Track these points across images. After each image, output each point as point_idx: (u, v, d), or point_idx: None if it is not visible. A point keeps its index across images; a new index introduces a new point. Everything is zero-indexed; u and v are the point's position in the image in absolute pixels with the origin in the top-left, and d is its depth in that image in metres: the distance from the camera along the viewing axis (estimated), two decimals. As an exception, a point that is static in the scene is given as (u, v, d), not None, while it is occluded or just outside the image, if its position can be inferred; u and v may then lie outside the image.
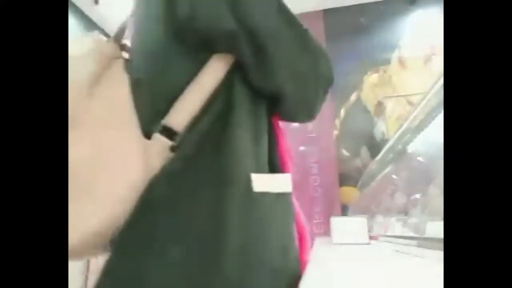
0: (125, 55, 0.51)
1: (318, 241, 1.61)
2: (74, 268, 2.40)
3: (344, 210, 2.35)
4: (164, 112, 0.41)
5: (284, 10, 0.44)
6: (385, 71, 2.56)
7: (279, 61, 0.42)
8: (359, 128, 2.52)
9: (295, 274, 0.45)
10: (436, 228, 0.75)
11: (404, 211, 1.09)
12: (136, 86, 0.44)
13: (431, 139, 1.01)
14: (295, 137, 2.53)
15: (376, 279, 0.50)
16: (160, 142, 0.40)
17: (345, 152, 2.49)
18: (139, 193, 0.38)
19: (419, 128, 1.05)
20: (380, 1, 2.68)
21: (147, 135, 0.40)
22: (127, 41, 0.54)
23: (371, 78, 2.57)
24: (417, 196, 1.02)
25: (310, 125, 2.56)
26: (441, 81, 0.77)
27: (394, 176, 1.49)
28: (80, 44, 0.48)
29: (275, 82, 0.44)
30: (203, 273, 0.35)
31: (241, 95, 0.43)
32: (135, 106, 0.42)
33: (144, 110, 0.42)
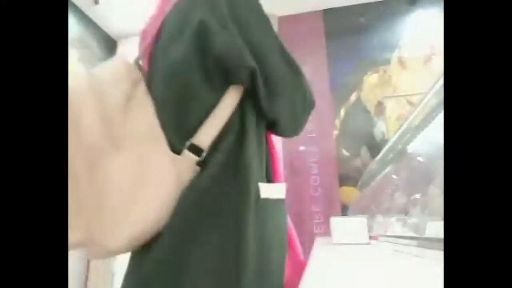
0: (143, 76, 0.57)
1: (318, 241, 1.61)
2: (74, 268, 2.40)
3: (344, 210, 2.35)
4: (193, 132, 0.49)
5: (284, 50, 0.55)
6: (385, 71, 2.56)
7: (280, 93, 0.52)
8: (359, 128, 2.52)
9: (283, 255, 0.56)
10: (436, 228, 0.75)
11: (404, 211, 1.09)
12: (163, 109, 0.52)
13: (431, 139, 1.01)
14: (295, 137, 2.53)
15: (376, 279, 0.50)
16: (189, 157, 0.48)
17: (345, 152, 2.49)
18: (174, 203, 0.47)
19: (419, 128, 1.05)
20: (380, 1, 2.68)
21: (178, 151, 0.49)
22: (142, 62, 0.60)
23: (371, 78, 2.57)
24: (417, 196, 1.02)
25: (310, 125, 2.56)
26: (441, 81, 0.77)
27: (394, 176, 1.49)
28: (111, 68, 0.54)
29: (275, 109, 0.53)
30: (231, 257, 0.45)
31: (250, 119, 0.52)
32: (161, 126, 0.50)
33: (174, 131, 0.50)
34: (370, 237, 1.25)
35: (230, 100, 0.51)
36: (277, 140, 0.68)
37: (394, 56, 2.56)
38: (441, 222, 0.71)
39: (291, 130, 0.61)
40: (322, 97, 2.61)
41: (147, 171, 0.46)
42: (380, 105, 2.51)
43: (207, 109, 0.50)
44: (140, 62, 0.59)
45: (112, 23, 2.91)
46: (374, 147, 2.36)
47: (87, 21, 2.77)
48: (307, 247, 1.47)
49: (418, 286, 0.44)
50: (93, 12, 2.74)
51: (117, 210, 0.45)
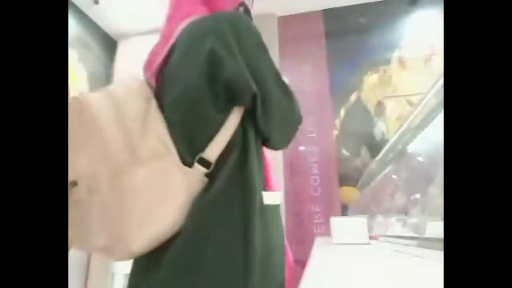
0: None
1: (318, 241, 1.61)
2: (75, 268, 2.40)
3: (344, 210, 2.35)
4: (203, 148, 0.55)
5: (278, 75, 0.62)
6: (385, 71, 2.55)
7: (274, 113, 0.59)
8: (359, 128, 2.51)
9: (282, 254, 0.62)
10: (436, 228, 0.75)
11: (404, 211, 1.09)
12: (175, 126, 0.57)
13: (431, 139, 1.01)
14: (295, 137, 2.53)
15: (376, 279, 0.50)
16: (198, 170, 0.54)
17: (345, 152, 2.49)
18: (186, 210, 0.53)
19: (419, 128, 1.05)
20: (380, 1, 2.68)
21: (189, 164, 0.55)
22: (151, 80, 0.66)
23: (371, 78, 2.57)
24: (417, 196, 1.02)
25: (310, 125, 2.56)
26: (441, 81, 0.77)
27: (394, 176, 1.49)
28: (125, 85, 0.60)
29: (269, 126, 0.60)
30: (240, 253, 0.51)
31: (251, 135, 0.59)
32: (173, 141, 0.56)
33: (185, 146, 0.57)
34: (370, 237, 1.25)
35: (234, 119, 0.57)
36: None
37: (394, 56, 2.56)
38: (441, 222, 0.71)
39: (281, 144, 0.68)
40: (322, 97, 2.61)
41: (163, 183, 0.53)
42: (380, 105, 2.51)
43: (215, 127, 0.56)
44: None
45: (112, 23, 2.91)
46: (374, 147, 2.36)
47: (87, 21, 2.77)
48: (307, 247, 1.46)
49: (418, 286, 0.44)
50: (93, 12, 2.74)
51: (140, 217, 0.51)
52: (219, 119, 0.56)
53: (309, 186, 2.45)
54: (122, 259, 0.54)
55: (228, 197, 0.54)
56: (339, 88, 2.59)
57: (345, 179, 2.42)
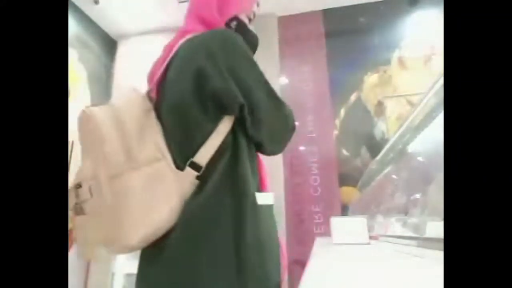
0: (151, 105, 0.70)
1: (318, 241, 1.61)
2: (74, 268, 2.40)
3: (344, 210, 2.35)
4: (194, 153, 0.61)
5: (269, 87, 0.67)
6: (385, 71, 2.55)
7: (263, 122, 0.65)
8: (359, 128, 2.51)
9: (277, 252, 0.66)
10: (436, 228, 0.75)
11: (404, 211, 1.09)
12: (170, 134, 0.64)
13: (431, 139, 1.01)
14: (295, 137, 2.52)
15: (376, 279, 0.50)
16: (190, 173, 0.60)
17: (345, 152, 2.49)
18: (178, 209, 0.59)
19: (419, 128, 1.05)
20: (380, 1, 2.68)
21: (181, 168, 0.61)
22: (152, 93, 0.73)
23: (371, 78, 2.57)
24: (417, 196, 1.02)
25: (310, 125, 2.56)
26: (441, 81, 0.77)
27: (394, 176, 1.49)
28: (126, 99, 0.67)
29: (259, 134, 0.66)
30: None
31: (242, 140, 0.64)
32: (168, 147, 0.63)
33: (178, 152, 0.63)
34: (370, 237, 1.25)
35: (223, 127, 0.63)
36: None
37: (394, 56, 2.56)
38: (441, 222, 0.71)
39: (273, 151, 0.72)
40: (322, 97, 2.61)
41: (157, 185, 0.58)
42: (380, 105, 2.51)
43: (205, 135, 0.62)
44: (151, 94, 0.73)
45: (112, 23, 2.91)
46: (374, 147, 2.36)
47: (87, 21, 2.77)
48: (307, 247, 1.47)
49: (418, 286, 0.44)
50: (93, 12, 2.74)
51: (135, 216, 0.56)
52: (208, 127, 0.62)
53: (309, 186, 2.45)
54: (121, 252, 0.63)
55: (219, 198, 0.59)
56: (339, 88, 2.59)
57: (345, 179, 2.42)
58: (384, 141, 2.28)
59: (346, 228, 1.23)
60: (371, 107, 2.53)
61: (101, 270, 2.46)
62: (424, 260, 0.66)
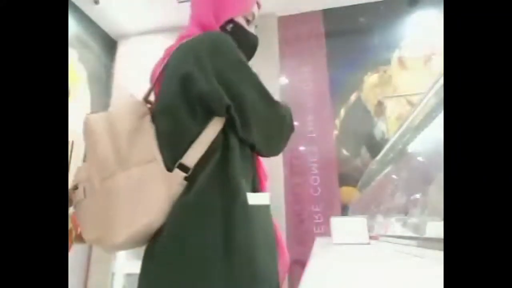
0: (148, 109, 0.72)
1: (318, 241, 1.61)
2: (75, 268, 2.40)
3: (344, 210, 2.35)
4: (182, 155, 0.62)
5: (261, 88, 0.68)
6: (385, 71, 2.55)
7: (254, 124, 0.65)
8: (359, 128, 2.51)
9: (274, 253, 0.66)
10: (436, 228, 0.75)
11: (404, 211, 1.09)
12: (160, 136, 0.66)
13: (431, 139, 1.01)
14: (295, 137, 2.52)
15: (376, 279, 0.50)
16: (178, 174, 0.61)
17: (345, 152, 2.49)
18: (166, 210, 0.59)
19: (419, 128, 1.05)
20: (380, 1, 2.68)
21: (170, 169, 0.62)
22: (151, 99, 0.76)
23: (371, 78, 2.57)
24: (417, 196, 1.02)
25: (310, 125, 2.56)
26: (441, 81, 0.77)
27: (394, 176, 1.49)
28: (122, 105, 0.70)
29: (250, 136, 0.66)
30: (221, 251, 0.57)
31: (234, 141, 0.64)
32: (159, 149, 0.64)
33: (167, 153, 0.64)
34: (370, 237, 1.25)
35: (212, 129, 0.64)
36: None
37: (394, 56, 2.56)
38: (441, 222, 0.71)
39: (269, 152, 0.72)
40: (322, 97, 2.61)
41: (145, 185, 0.60)
42: (380, 105, 2.51)
43: (192, 137, 0.63)
44: (152, 97, 0.76)
45: (112, 23, 2.91)
46: (374, 147, 2.36)
47: (87, 21, 2.77)
48: (307, 247, 1.47)
49: (418, 286, 0.44)
50: (93, 12, 2.74)
51: (122, 215, 0.58)
52: (197, 129, 0.63)
53: (309, 186, 2.45)
54: (110, 251, 0.64)
55: (207, 199, 0.60)
56: (339, 88, 2.59)
57: (345, 179, 2.42)
58: (384, 141, 2.28)
59: (346, 228, 1.23)
60: (371, 107, 2.53)
61: (101, 270, 2.46)
62: (424, 260, 0.66)
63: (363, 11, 2.70)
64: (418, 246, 0.81)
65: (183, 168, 0.62)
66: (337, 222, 1.26)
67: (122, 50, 3.05)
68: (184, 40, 0.73)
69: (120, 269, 2.43)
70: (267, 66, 2.53)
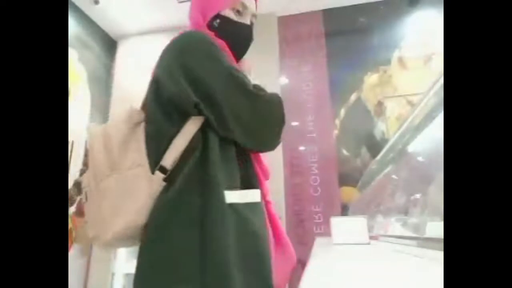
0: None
1: (318, 241, 1.61)
2: (75, 268, 2.40)
3: (344, 210, 2.35)
4: (162, 157, 0.64)
5: (237, 82, 0.66)
6: (385, 71, 2.55)
7: (230, 119, 0.64)
8: (359, 128, 2.51)
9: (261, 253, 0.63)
10: (436, 228, 0.75)
11: (404, 211, 1.09)
12: (146, 141, 0.68)
13: (431, 139, 1.01)
14: (295, 137, 2.53)
15: (376, 279, 0.50)
16: (159, 176, 0.63)
17: (345, 152, 2.49)
18: (146, 209, 0.62)
19: (419, 128, 1.05)
20: (380, 1, 2.68)
21: (152, 171, 0.64)
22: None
23: (371, 78, 2.57)
24: (417, 196, 1.02)
25: (310, 125, 2.56)
26: (441, 81, 0.77)
27: (394, 176, 1.49)
28: (117, 115, 0.73)
29: (229, 133, 0.65)
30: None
31: (213, 141, 0.64)
32: (147, 153, 0.67)
33: (151, 156, 0.66)
34: (370, 237, 1.25)
35: (188, 129, 0.65)
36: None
37: (394, 56, 2.56)
38: (441, 222, 0.71)
39: (256, 147, 0.70)
40: (322, 97, 2.61)
41: (130, 187, 0.64)
42: (380, 105, 2.51)
43: (169, 138, 0.65)
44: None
45: (112, 23, 2.91)
46: (374, 147, 2.36)
47: (87, 21, 2.77)
48: (307, 247, 1.47)
49: (418, 286, 0.44)
50: (93, 12, 2.74)
51: (110, 214, 0.63)
52: (171, 131, 0.65)
53: (309, 186, 2.44)
54: (103, 248, 0.68)
55: (186, 198, 0.61)
56: (339, 88, 2.59)
57: (345, 179, 2.41)
58: (384, 141, 2.28)
59: (346, 228, 1.23)
60: (371, 107, 2.53)
61: (101, 270, 2.46)
62: (424, 260, 0.66)
63: (363, 11, 2.70)
64: (418, 246, 0.81)
65: (162, 169, 0.63)
66: (337, 222, 1.26)
67: (122, 50, 3.05)
68: None
69: (120, 269, 2.43)
70: (267, 66, 2.53)
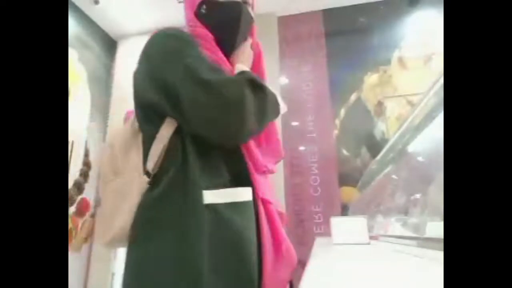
0: None
1: (318, 241, 1.61)
2: (75, 268, 2.40)
3: (344, 210, 2.35)
4: (146, 160, 0.66)
5: (196, 75, 0.60)
6: (385, 71, 2.55)
7: (192, 113, 0.61)
8: (359, 128, 2.51)
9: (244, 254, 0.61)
10: (436, 228, 0.75)
11: (404, 211, 1.09)
12: (142, 145, 0.70)
13: (431, 139, 1.01)
14: (295, 137, 2.54)
15: (376, 279, 0.50)
16: (145, 179, 0.64)
17: (345, 152, 2.49)
18: (136, 208, 0.63)
19: (419, 128, 1.05)
20: (380, 1, 2.68)
21: (141, 175, 0.65)
22: None
23: (371, 78, 2.57)
24: (417, 196, 1.02)
25: (310, 125, 2.56)
26: (441, 81, 0.77)
27: (394, 176, 1.49)
28: (122, 125, 0.76)
29: (194, 127, 0.63)
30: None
31: (188, 139, 0.64)
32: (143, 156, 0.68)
33: (144, 160, 0.67)
34: (370, 237, 1.25)
35: (165, 131, 0.65)
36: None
37: (394, 56, 2.56)
38: (441, 222, 0.71)
39: (220, 139, 0.64)
40: (322, 97, 2.61)
41: (126, 190, 0.66)
42: (380, 105, 2.51)
43: (150, 141, 0.65)
44: None
45: (112, 23, 2.91)
46: (374, 147, 2.36)
47: (87, 21, 2.77)
48: (307, 247, 1.47)
49: (418, 286, 0.44)
50: (93, 12, 2.74)
51: (109, 216, 0.66)
52: (150, 132, 0.66)
53: (309, 186, 2.45)
54: (108, 248, 0.70)
55: (169, 199, 0.61)
56: (339, 88, 2.59)
57: (345, 179, 2.42)
58: (384, 141, 2.28)
59: (346, 228, 1.23)
60: (371, 107, 2.53)
61: (101, 270, 2.46)
62: (424, 260, 0.66)
63: (363, 11, 2.70)
64: (418, 246, 0.81)
65: (147, 173, 0.65)
66: (337, 222, 1.26)
67: (122, 50, 3.05)
68: None
69: (120, 269, 2.43)
70: (267, 66, 2.53)
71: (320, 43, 2.73)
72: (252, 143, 0.69)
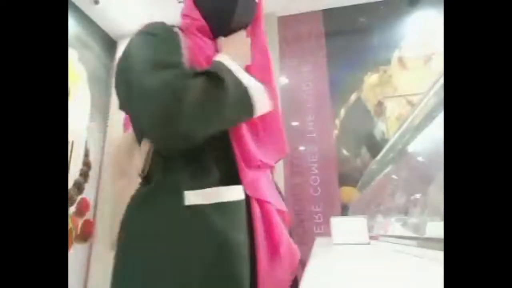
0: None
1: (318, 241, 1.61)
2: (75, 268, 2.40)
3: (344, 210, 2.35)
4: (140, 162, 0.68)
5: (138, 65, 0.60)
6: (385, 71, 2.55)
7: (134, 114, 0.68)
8: (359, 128, 2.51)
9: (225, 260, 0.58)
10: (436, 228, 0.75)
11: (404, 211, 1.09)
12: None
13: (431, 139, 1.01)
14: (295, 137, 2.54)
15: (376, 279, 0.50)
16: (138, 180, 0.68)
17: (345, 152, 2.49)
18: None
19: (419, 128, 1.05)
20: (380, 1, 2.68)
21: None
22: None
23: (371, 78, 2.57)
24: (417, 196, 1.01)
25: (310, 125, 2.56)
26: (441, 81, 0.77)
27: (394, 176, 1.49)
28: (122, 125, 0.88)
29: (154, 145, 0.66)
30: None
31: None
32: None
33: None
34: (370, 237, 1.25)
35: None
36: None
37: (394, 56, 2.56)
38: (441, 222, 0.71)
39: (169, 138, 0.57)
40: (322, 97, 2.61)
41: (124, 192, 0.67)
42: (380, 105, 2.51)
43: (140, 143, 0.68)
44: None
45: (112, 23, 2.91)
46: (374, 147, 2.36)
47: (87, 21, 2.77)
48: (307, 247, 1.47)
49: (418, 286, 0.44)
50: (93, 12, 2.74)
51: (110, 218, 0.69)
52: (139, 136, 0.69)
53: (309, 186, 2.44)
54: (111, 249, 0.70)
55: (151, 202, 0.62)
56: (339, 88, 2.59)
57: (345, 179, 2.41)
58: (384, 141, 2.28)
59: (346, 228, 1.23)
60: (371, 107, 2.53)
61: (101, 270, 2.46)
62: (424, 260, 0.66)
63: (363, 11, 2.70)
64: (418, 246, 0.81)
65: (139, 175, 0.68)
66: (337, 222, 1.26)
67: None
68: None
69: (120, 269, 2.42)
70: (267, 66, 2.53)
71: (320, 43, 2.73)
72: (244, 129, 0.64)
